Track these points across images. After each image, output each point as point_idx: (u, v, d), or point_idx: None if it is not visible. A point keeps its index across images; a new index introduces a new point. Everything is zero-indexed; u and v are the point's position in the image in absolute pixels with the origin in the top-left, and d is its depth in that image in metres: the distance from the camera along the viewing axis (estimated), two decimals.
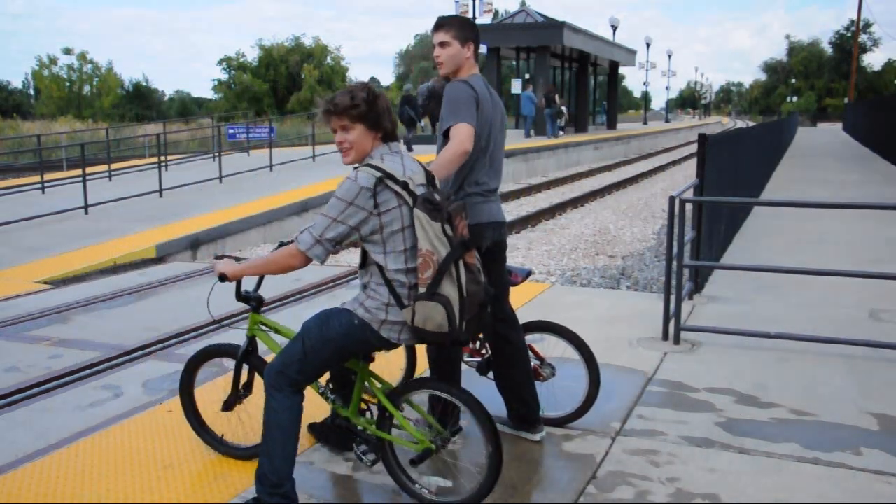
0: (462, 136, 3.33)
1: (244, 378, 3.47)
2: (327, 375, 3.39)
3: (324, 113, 2.90)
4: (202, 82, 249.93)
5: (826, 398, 4.20)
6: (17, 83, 78.60)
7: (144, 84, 65.60)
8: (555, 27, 30.85)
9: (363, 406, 3.27)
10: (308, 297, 6.89)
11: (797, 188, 14.71)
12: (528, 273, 3.89)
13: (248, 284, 3.33)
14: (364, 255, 2.92)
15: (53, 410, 4.27)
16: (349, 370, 3.26)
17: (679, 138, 48.23)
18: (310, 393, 3.09)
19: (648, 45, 54.08)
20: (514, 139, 25.82)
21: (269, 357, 3.41)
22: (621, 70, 52.37)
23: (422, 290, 2.77)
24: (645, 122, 56.61)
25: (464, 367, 3.77)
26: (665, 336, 5.23)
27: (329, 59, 62.25)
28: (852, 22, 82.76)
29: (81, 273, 8.74)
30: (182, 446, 3.68)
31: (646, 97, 69.87)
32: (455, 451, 3.51)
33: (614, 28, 43.86)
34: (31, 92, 65.74)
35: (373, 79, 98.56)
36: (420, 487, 3.09)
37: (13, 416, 4.21)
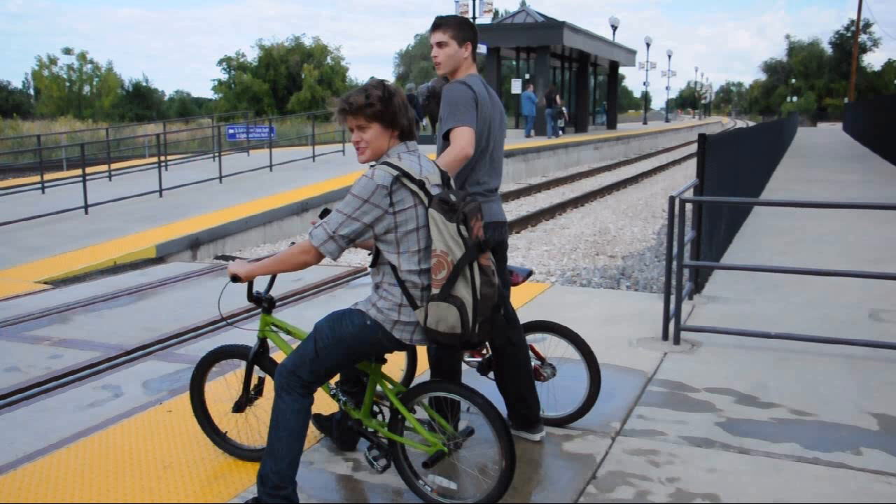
0: (464, 140, 3.34)
1: (255, 380, 3.44)
2: (338, 376, 3.39)
3: (339, 112, 2.87)
4: (202, 82, 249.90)
5: (826, 398, 4.20)
6: (17, 83, 78.73)
7: (144, 84, 65.67)
8: (555, 27, 30.85)
9: (375, 409, 3.24)
10: (308, 297, 6.89)
11: (797, 188, 14.71)
12: (529, 273, 3.89)
13: (260, 285, 3.31)
14: (377, 254, 2.89)
15: (53, 410, 4.27)
16: (361, 371, 3.24)
17: (679, 138, 48.22)
18: (320, 393, 3.08)
19: (648, 45, 54.11)
20: (515, 139, 25.83)
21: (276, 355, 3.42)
22: (621, 70, 52.47)
23: (435, 291, 2.75)
24: (645, 122, 56.62)
25: (464, 367, 3.77)
26: (665, 336, 5.23)
27: (329, 59, 62.30)
28: (852, 22, 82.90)
29: (81, 273, 8.74)
30: (182, 446, 3.68)
31: (646, 97, 69.81)
32: (465, 454, 3.49)
33: (614, 28, 43.88)
34: (31, 92, 65.80)
35: (373, 79, 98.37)
36: (431, 490, 3.06)
37: (13, 416, 4.21)
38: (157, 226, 11.16)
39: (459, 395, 2.96)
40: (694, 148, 26.97)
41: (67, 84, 58.67)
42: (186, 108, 69.43)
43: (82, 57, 59.08)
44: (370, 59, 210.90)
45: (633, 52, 42.23)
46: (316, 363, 2.90)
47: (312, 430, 3.65)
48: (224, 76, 62.29)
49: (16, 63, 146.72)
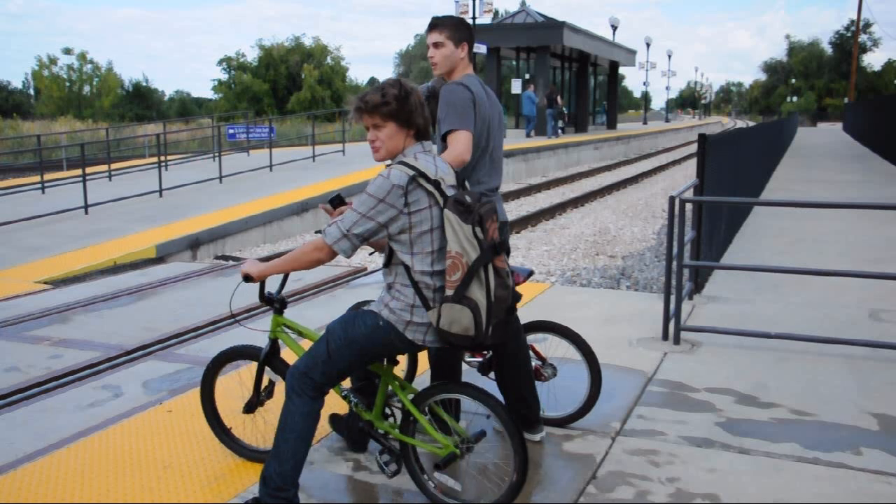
0: (461, 146, 3.34)
1: (265, 381, 3.42)
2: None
3: (355, 110, 2.85)
4: (202, 82, 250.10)
5: (826, 398, 4.20)
6: (17, 83, 78.74)
7: (144, 84, 65.66)
8: (555, 27, 30.85)
9: (387, 411, 3.22)
10: (308, 297, 6.89)
11: (797, 188, 14.71)
12: (530, 273, 3.89)
13: (272, 286, 3.30)
14: (390, 254, 2.88)
15: (53, 410, 4.27)
16: (373, 373, 3.22)
17: (679, 138, 48.22)
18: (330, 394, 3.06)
19: (648, 45, 54.10)
20: (515, 139, 25.83)
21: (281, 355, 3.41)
22: (621, 70, 52.45)
23: (449, 292, 2.73)
24: (645, 122, 56.62)
25: (465, 367, 3.77)
26: (665, 336, 5.23)
27: (329, 59, 62.30)
28: (852, 22, 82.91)
29: (81, 273, 8.74)
30: (182, 446, 3.68)
31: (646, 97, 69.82)
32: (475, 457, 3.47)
33: (614, 28, 43.88)
34: (31, 92, 65.79)
35: (373, 79, 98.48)
36: (441, 493, 3.04)
37: (13, 416, 4.21)
38: (157, 226, 11.17)
39: (475, 398, 2.92)
40: (694, 148, 26.97)
41: (67, 84, 58.67)
42: (186, 108, 69.44)
43: (82, 57, 59.10)
44: (370, 59, 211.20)
45: (633, 52, 42.23)
46: (328, 365, 2.88)
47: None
48: (224, 76, 62.32)
49: (16, 63, 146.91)
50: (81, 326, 6.16)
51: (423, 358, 3.95)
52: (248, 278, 3.01)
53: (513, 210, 15.48)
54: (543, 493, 3.21)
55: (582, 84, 38.06)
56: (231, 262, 9.63)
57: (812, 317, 5.74)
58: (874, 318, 5.71)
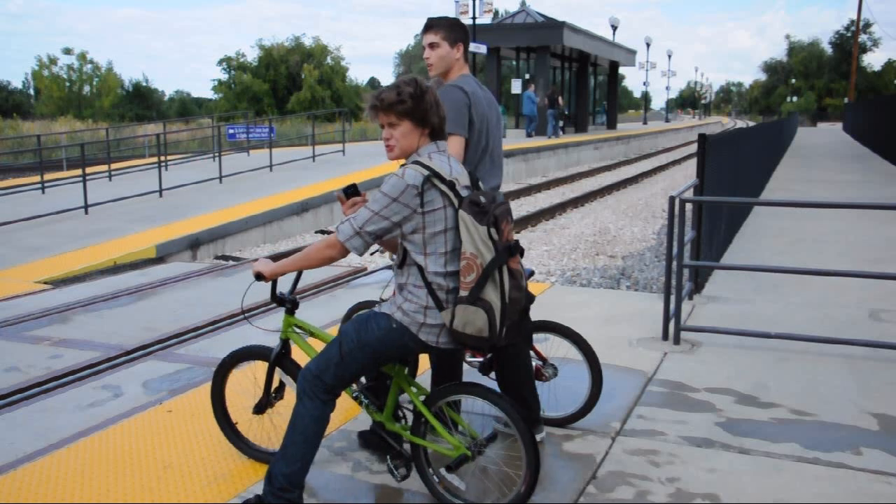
0: (452, 151, 3.38)
1: (276, 382, 3.41)
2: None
3: (370, 108, 2.84)
4: (202, 82, 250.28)
5: (826, 398, 4.20)
6: (17, 83, 78.79)
7: (144, 84, 65.66)
8: (555, 27, 30.87)
9: (398, 413, 3.20)
10: (309, 297, 6.89)
11: (797, 188, 14.71)
12: (530, 273, 3.88)
13: (284, 286, 3.28)
14: (403, 254, 2.87)
15: (53, 410, 4.27)
16: (385, 374, 3.20)
17: (679, 138, 48.23)
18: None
19: (648, 45, 54.12)
20: (515, 139, 25.84)
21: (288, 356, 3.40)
22: (621, 70, 52.46)
23: (464, 293, 2.73)
24: (645, 122, 56.64)
25: (466, 367, 3.77)
26: (665, 336, 5.23)
27: (329, 59, 62.29)
28: (852, 22, 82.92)
29: (81, 273, 8.74)
30: (182, 446, 3.68)
31: (646, 97, 69.85)
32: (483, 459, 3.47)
33: (614, 28, 43.88)
34: (31, 92, 65.81)
35: (373, 79, 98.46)
36: (452, 496, 3.03)
37: (13, 416, 4.21)
38: (157, 226, 11.17)
39: (489, 400, 2.89)
40: (694, 148, 26.98)
41: (67, 84, 58.67)
42: (186, 108, 69.46)
43: (82, 57, 59.10)
44: (370, 59, 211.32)
45: (633, 52, 42.24)
46: (341, 367, 2.87)
47: None
48: (224, 76, 62.31)
49: (16, 63, 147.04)
50: (81, 326, 6.16)
51: (423, 358, 3.95)
52: (259, 277, 2.99)
53: (513, 210, 15.44)
54: (544, 493, 3.21)
55: (582, 84, 38.07)
56: (231, 262, 9.63)
57: (812, 317, 5.74)
58: (874, 318, 5.71)
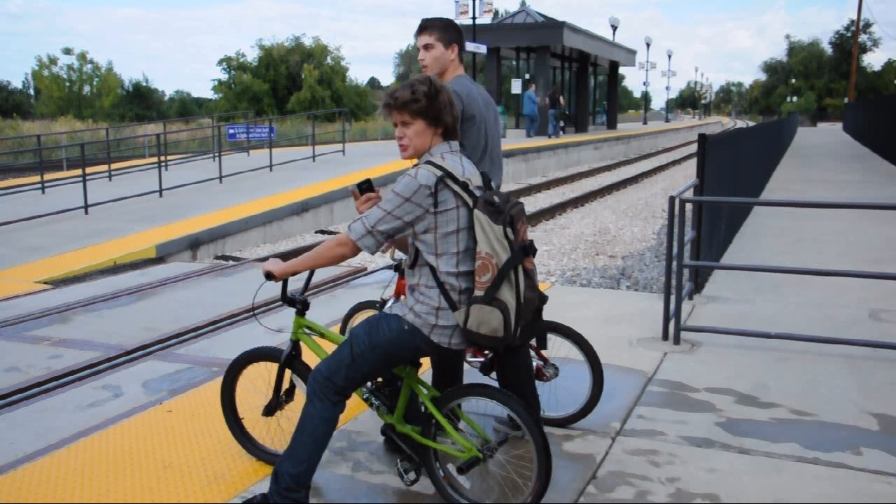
0: None
1: (286, 383, 3.39)
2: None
3: (384, 107, 2.85)
4: (202, 82, 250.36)
5: (826, 398, 4.20)
6: (17, 83, 78.82)
7: (144, 84, 65.64)
8: (555, 27, 30.87)
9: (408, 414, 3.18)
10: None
11: (797, 188, 14.71)
12: None
13: (294, 286, 3.27)
14: (415, 254, 2.87)
15: (53, 410, 4.27)
16: (395, 376, 3.21)
17: (679, 138, 48.23)
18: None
19: (648, 45, 54.12)
20: (515, 139, 25.84)
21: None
22: (621, 70, 52.45)
23: (479, 293, 2.72)
24: (645, 122, 56.64)
25: (466, 367, 3.77)
26: (665, 336, 5.23)
27: (329, 59, 62.28)
28: (852, 22, 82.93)
29: (81, 273, 8.74)
30: (182, 446, 3.68)
31: (646, 97, 69.86)
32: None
33: (614, 28, 43.88)
34: (31, 92, 65.80)
35: (373, 79, 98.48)
36: (460, 496, 3.01)
37: (13, 416, 4.21)
38: (157, 226, 11.17)
39: (501, 402, 2.88)
40: (694, 148, 26.98)
41: (67, 84, 58.66)
42: (186, 108, 69.44)
43: (82, 57, 59.09)
44: (370, 59, 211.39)
45: (633, 52, 42.24)
46: (352, 369, 2.86)
47: None
48: (224, 76, 62.30)
49: (16, 63, 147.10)
50: (81, 326, 6.16)
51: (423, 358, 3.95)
52: (270, 276, 2.97)
53: None
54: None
55: (582, 84, 38.07)
56: (231, 263, 9.63)
57: (812, 317, 5.74)
58: (874, 318, 5.71)
